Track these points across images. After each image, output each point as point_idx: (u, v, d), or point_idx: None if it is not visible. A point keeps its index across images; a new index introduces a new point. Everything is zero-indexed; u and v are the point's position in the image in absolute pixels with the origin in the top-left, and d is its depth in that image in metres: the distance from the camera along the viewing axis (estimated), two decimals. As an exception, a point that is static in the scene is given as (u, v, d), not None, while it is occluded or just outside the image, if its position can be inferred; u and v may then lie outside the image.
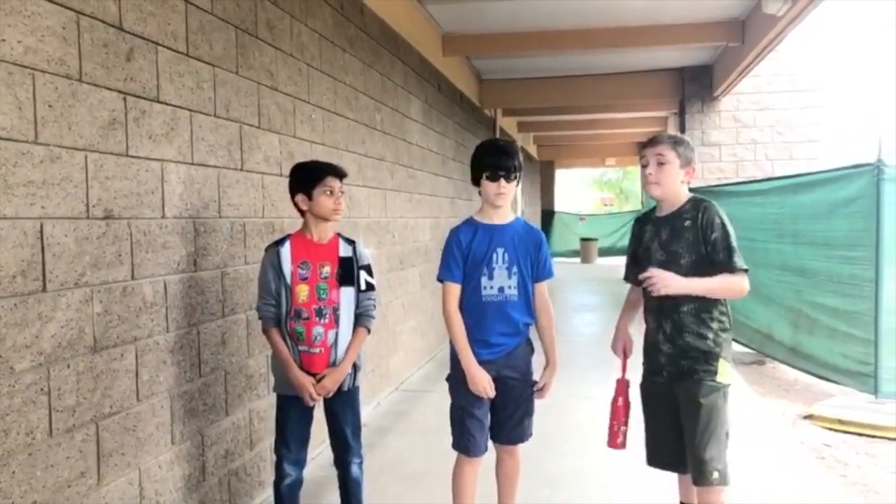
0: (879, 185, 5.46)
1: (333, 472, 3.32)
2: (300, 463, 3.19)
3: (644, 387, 3.08)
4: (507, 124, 14.08)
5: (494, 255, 3.03)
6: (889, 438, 4.87)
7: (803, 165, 9.47)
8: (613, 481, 4.02)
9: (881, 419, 5.03)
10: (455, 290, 3.07)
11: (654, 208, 3.09)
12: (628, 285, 3.29)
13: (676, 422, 2.93)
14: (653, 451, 3.09)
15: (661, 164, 2.92)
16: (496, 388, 3.05)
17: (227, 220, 3.56)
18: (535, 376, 3.15)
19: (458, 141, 8.91)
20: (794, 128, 10.26)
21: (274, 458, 3.21)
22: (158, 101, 3.01)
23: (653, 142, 3.00)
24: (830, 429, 5.13)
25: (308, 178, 3.11)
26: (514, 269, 3.04)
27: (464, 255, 3.06)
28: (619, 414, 3.12)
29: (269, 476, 3.50)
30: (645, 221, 3.11)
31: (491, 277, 3.02)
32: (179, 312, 3.16)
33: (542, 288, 3.14)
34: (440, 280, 3.10)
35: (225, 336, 3.54)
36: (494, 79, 10.96)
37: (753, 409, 5.39)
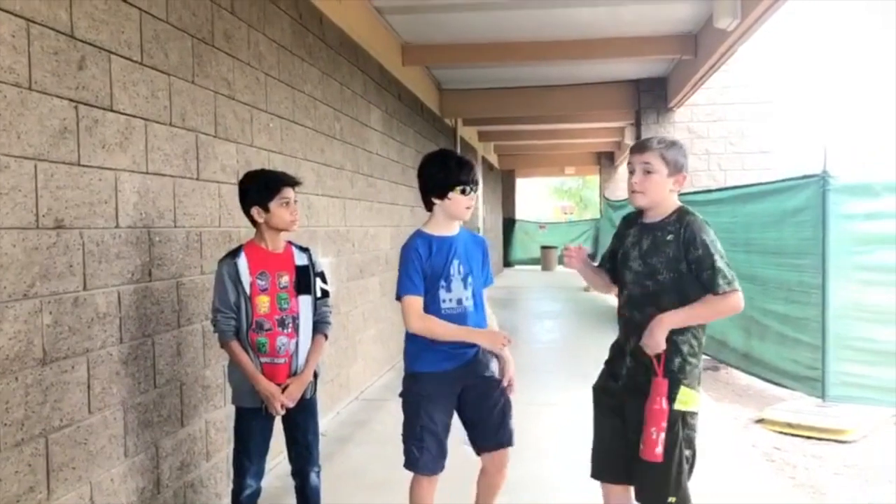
0: (825, 195, 5.64)
1: (289, 482, 3.31)
2: (260, 474, 3.17)
3: (598, 387, 2.95)
4: (468, 133, 14.17)
5: (451, 268, 3.01)
6: (835, 441, 5.02)
7: (755, 175, 9.70)
8: (574, 488, 4.07)
9: (828, 422, 5.18)
10: (418, 302, 2.96)
11: (642, 212, 2.87)
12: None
13: (620, 431, 2.81)
14: (595, 462, 2.93)
15: (647, 172, 2.71)
16: (466, 399, 3.04)
17: (182, 229, 3.53)
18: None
19: (418, 150, 8.94)
20: (747, 138, 10.51)
21: (231, 469, 3.19)
22: (112, 110, 2.98)
23: (641, 147, 2.76)
24: (781, 432, 5.27)
25: (264, 190, 3.08)
26: (469, 280, 3.04)
27: (422, 268, 3.00)
28: (658, 418, 2.64)
29: (227, 487, 3.48)
30: (631, 223, 2.91)
31: (449, 290, 3.00)
32: (134, 323, 3.12)
33: (485, 294, 3.17)
34: (400, 297, 2.97)
35: (181, 346, 3.51)
36: (454, 88, 11.04)
37: (708, 413, 5.49)
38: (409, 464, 3.03)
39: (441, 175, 3.00)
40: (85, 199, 2.82)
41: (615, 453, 2.84)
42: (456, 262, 3.02)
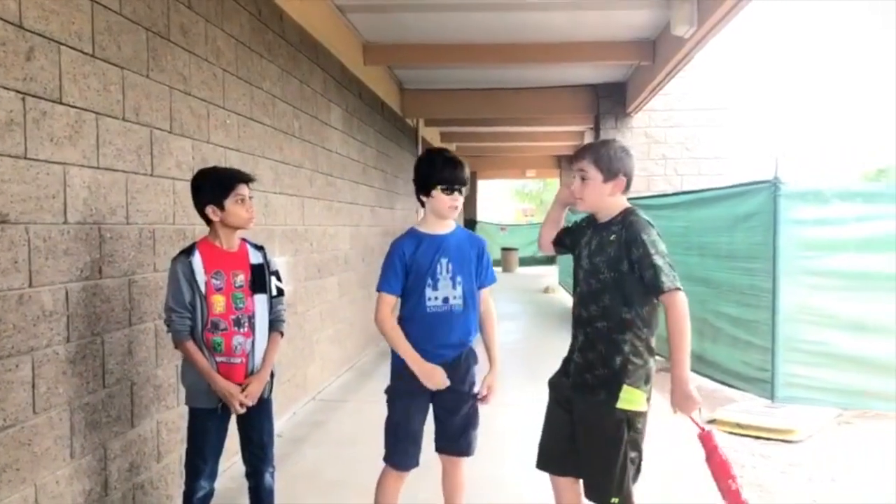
0: (776, 200, 5.77)
1: (243, 483, 3.28)
2: (214, 475, 3.13)
3: (552, 381, 3.01)
4: (430, 134, 14.17)
5: (439, 266, 3.02)
6: (783, 440, 5.14)
7: (710, 181, 9.89)
8: (532, 488, 4.09)
9: (775, 422, 5.31)
10: (391, 301, 3.05)
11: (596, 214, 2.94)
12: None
13: (569, 425, 2.86)
14: (542, 453, 2.98)
15: (583, 179, 2.82)
16: (437, 400, 3.06)
17: (135, 226, 3.47)
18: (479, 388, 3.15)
19: (379, 149, 8.92)
20: (702, 144, 10.71)
21: (184, 470, 3.13)
22: (61, 103, 2.91)
23: (576, 155, 2.88)
24: (731, 432, 5.37)
25: (218, 188, 3.04)
26: (459, 279, 3.03)
27: (406, 267, 3.02)
28: (724, 471, 2.69)
29: (178, 489, 3.42)
30: (588, 223, 2.98)
31: (436, 288, 3.01)
32: (82, 321, 3.05)
33: (486, 294, 3.17)
34: (378, 291, 3.05)
35: (132, 345, 3.44)
36: (416, 89, 11.03)
37: (661, 414, 5.59)
38: (384, 457, 3.11)
39: (427, 172, 3.04)
40: (31, 194, 2.75)
41: (561, 446, 2.90)
42: (444, 261, 3.03)
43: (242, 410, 3.03)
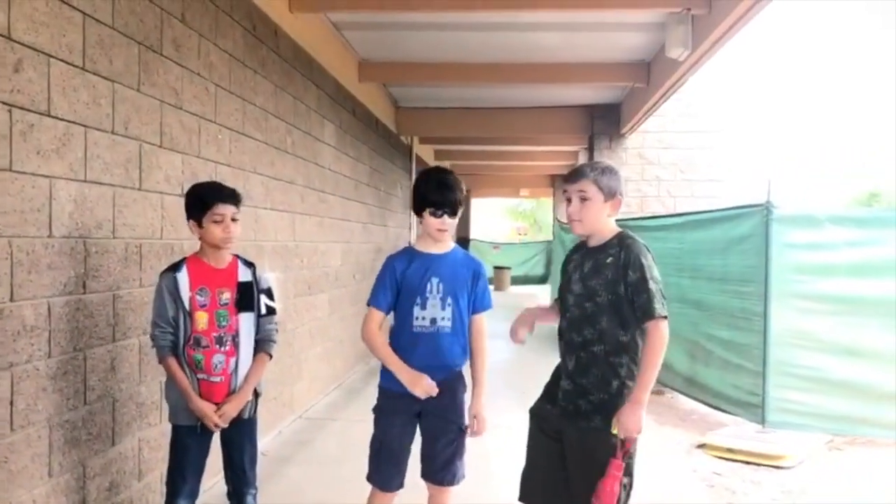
0: (768, 224, 5.77)
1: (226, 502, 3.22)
2: (194, 495, 3.08)
3: (535, 410, 2.96)
4: (424, 152, 14.19)
5: (429, 285, 2.98)
6: (773, 466, 5.10)
7: (704, 203, 9.91)
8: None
9: (766, 448, 5.27)
10: (378, 316, 3.02)
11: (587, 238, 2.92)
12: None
13: (556, 454, 2.82)
14: (526, 484, 2.92)
15: (584, 199, 2.77)
16: (424, 426, 3.01)
17: (121, 240, 3.42)
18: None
19: (372, 166, 8.90)
20: (696, 167, 10.74)
21: (164, 489, 3.08)
22: (49, 115, 2.88)
23: (574, 176, 2.82)
24: (721, 457, 5.33)
25: (198, 205, 3.02)
26: (449, 301, 2.98)
27: (397, 283, 3.00)
28: (608, 500, 2.63)
29: (158, 509, 3.36)
30: (578, 249, 2.96)
31: (424, 307, 2.97)
32: (64, 336, 3.00)
33: (479, 319, 3.08)
34: (367, 305, 3.04)
35: (115, 362, 3.38)
36: (411, 107, 11.05)
37: (650, 438, 5.54)
38: (367, 476, 3.05)
39: (419, 193, 3.01)
40: (16, 207, 2.71)
41: (549, 476, 2.84)
42: (435, 281, 2.98)
43: (217, 430, 3.00)
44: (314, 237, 6.54)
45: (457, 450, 3.03)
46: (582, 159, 13.81)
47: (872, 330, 5.59)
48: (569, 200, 2.83)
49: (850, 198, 29.16)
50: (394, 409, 3.00)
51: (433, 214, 2.96)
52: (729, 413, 6.21)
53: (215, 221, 3.00)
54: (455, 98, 10.68)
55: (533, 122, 11.30)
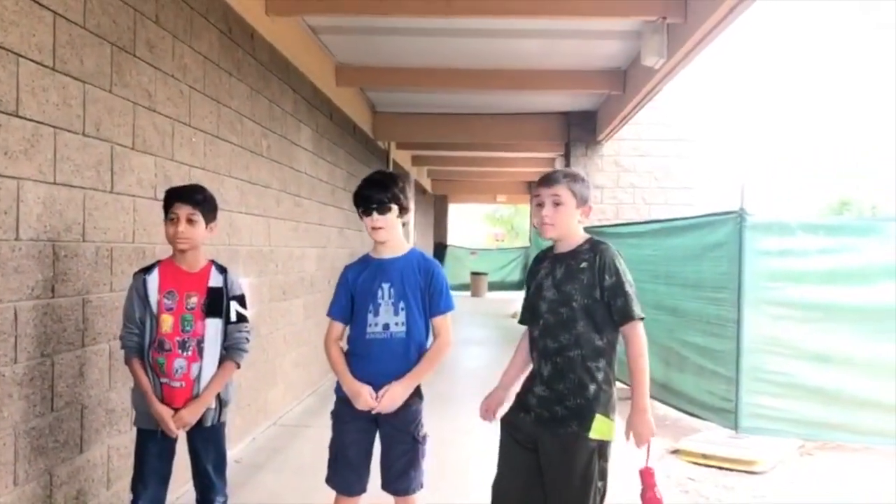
0: (742, 231, 5.82)
1: (197, 512, 3.17)
2: (157, 502, 3.03)
3: (507, 420, 2.93)
4: (401, 157, 14.17)
5: (380, 291, 2.97)
6: (746, 471, 5.14)
7: (679, 210, 9.99)
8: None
9: (739, 453, 5.30)
10: (335, 326, 3.06)
11: (553, 245, 2.93)
12: (516, 321, 3.14)
13: (531, 463, 2.80)
14: (498, 496, 2.89)
15: (557, 204, 2.77)
16: (381, 433, 3.00)
17: (92, 244, 3.37)
18: (427, 429, 3.05)
19: (349, 171, 8.87)
20: (671, 174, 10.84)
21: (131, 496, 3.03)
22: (17, 116, 2.83)
23: (548, 181, 2.82)
24: (695, 463, 5.36)
25: (164, 204, 3.04)
26: (402, 305, 2.95)
27: (350, 292, 3.01)
28: None
29: (127, 517, 3.29)
30: (542, 259, 2.96)
31: (376, 314, 2.95)
32: (31, 342, 2.94)
33: (440, 321, 3.02)
34: (327, 315, 3.09)
35: (84, 368, 3.32)
36: (389, 111, 11.03)
37: (624, 443, 5.57)
38: (325, 477, 3.05)
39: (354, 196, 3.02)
40: (-19, 209, 2.65)
41: (524, 485, 2.83)
42: (386, 286, 2.96)
43: (174, 436, 2.97)
44: (289, 242, 6.49)
45: (412, 460, 2.99)
46: (558, 166, 13.87)
47: (844, 336, 5.66)
48: (541, 205, 2.84)
49: (823, 204, 29.61)
50: (349, 416, 2.98)
51: (364, 214, 2.97)
52: (702, 419, 6.25)
53: (170, 220, 2.99)
54: (433, 103, 10.68)
55: (510, 129, 11.34)
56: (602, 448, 2.72)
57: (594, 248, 2.78)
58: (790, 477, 5.09)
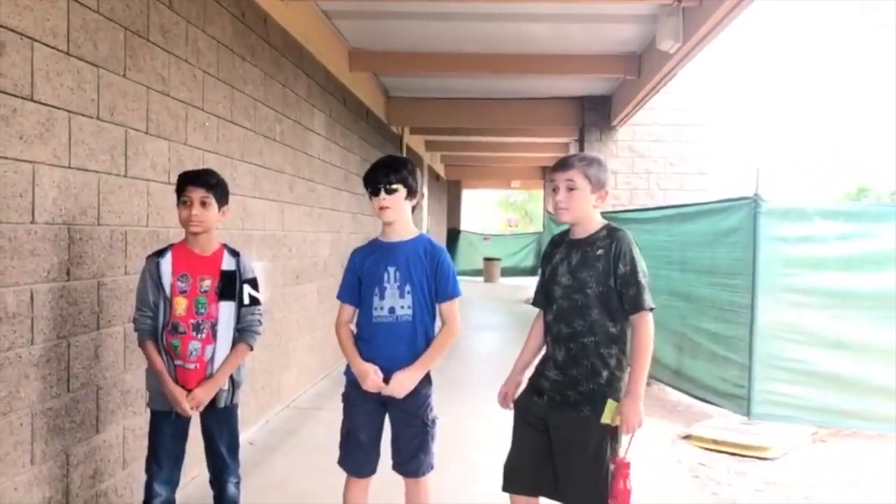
0: (756, 217, 5.77)
1: (209, 492, 3.22)
2: (172, 482, 3.07)
3: (520, 403, 2.96)
4: (415, 142, 14.15)
5: (385, 275, 2.98)
6: (758, 458, 5.13)
7: (693, 196, 9.92)
8: (507, 500, 4.05)
9: (751, 439, 5.29)
10: (345, 309, 3.08)
11: (569, 230, 2.92)
12: (529, 306, 3.08)
13: (542, 444, 2.83)
14: (511, 475, 2.92)
15: (571, 189, 2.77)
16: (391, 416, 3.03)
17: (106, 227, 3.40)
18: (437, 412, 3.07)
19: (362, 156, 8.87)
20: (686, 159, 10.75)
21: (145, 477, 3.08)
22: (32, 100, 2.85)
23: (563, 165, 2.81)
24: (706, 448, 5.36)
25: (177, 189, 3.07)
26: (408, 289, 2.96)
27: (357, 275, 3.04)
28: (618, 498, 2.72)
29: (142, 497, 3.34)
30: (558, 242, 2.95)
31: (382, 297, 2.97)
32: (48, 324, 2.98)
33: (447, 307, 3.02)
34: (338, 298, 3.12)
35: (99, 349, 3.36)
36: (402, 96, 11.01)
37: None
38: (338, 460, 3.09)
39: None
40: (-2, 192, 2.68)
41: (535, 466, 2.86)
42: (392, 270, 2.98)
43: (190, 415, 3.01)
44: (303, 227, 6.51)
45: (422, 443, 3.01)
46: (572, 151, 13.80)
47: (859, 323, 5.62)
48: (555, 189, 2.83)
49: (841, 193, 29.31)
50: (359, 398, 3.00)
51: (372, 194, 2.98)
52: (715, 405, 6.24)
53: (183, 203, 3.02)
54: (446, 88, 10.65)
55: (524, 114, 11.30)
56: (614, 431, 2.75)
57: (611, 234, 2.77)
58: (803, 463, 5.08)
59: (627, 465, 2.72)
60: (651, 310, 2.70)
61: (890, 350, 5.50)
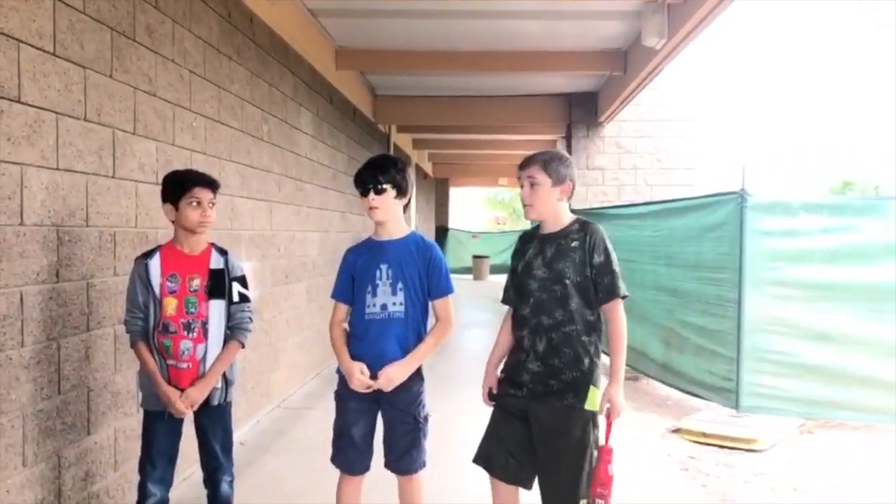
0: (742, 212, 5.83)
1: (203, 492, 3.22)
2: (165, 482, 3.08)
3: (498, 397, 3.00)
4: (402, 141, 14.15)
5: (378, 272, 3.00)
6: (746, 450, 5.19)
7: (680, 191, 9.98)
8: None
9: (739, 432, 5.35)
10: (339, 308, 3.11)
11: (539, 226, 3.01)
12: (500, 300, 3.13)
13: (522, 435, 2.88)
14: (486, 455, 2.97)
15: (533, 185, 2.87)
16: (383, 412, 3.04)
17: (95, 228, 3.39)
18: (429, 408, 3.09)
19: (350, 155, 8.87)
20: (672, 155, 10.80)
21: (139, 477, 3.08)
22: (19, 102, 2.84)
23: (525, 163, 2.93)
24: (696, 442, 5.41)
25: (175, 189, 3.05)
26: (400, 286, 2.98)
27: (351, 274, 3.07)
28: (600, 482, 2.78)
29: (134, 498, 3.34)
30: (529, 238, 3.02)
31: (375, 295, 2.99)
32: (37, 326, 2.98)
33: (440, 304, 3.04)
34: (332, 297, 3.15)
35: (90, 351, 3.36)
36: (389, 95, 11.01)
37: (626, 423, 5.59)
38: (331, 458, 3.09)
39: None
40: (-14, 194, 2.67)
41: (508, 454, 2.92)
42: (384, 267, 3.00)
43: (185, 415, 3.02)
44: (291, 226, 6.51)
45: (414, 440, 3.03)
46: (560, 148, 13.82)
47: (844, 315, 5.69)
48: (522, 187, 2.94)
49: (825, 188, 29.55)
50: (351, 395, 3.01)
51: (362, 195, 3.01)
52: (703, 398, 6.30)
53: (191, 204, 3.02)
54: (433, 86, 10.65)
55: (511, 111, 11.31)
56: (594, 417, 2.83)
57: (584, 227, 2.88)
58: (790, 455, 5.14)
59: (610, 451, 2.80)
60: (624, 297, 2.83)
61: (874, 341, 5.57)
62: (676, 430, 5.69)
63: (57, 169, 3.09)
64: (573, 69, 8.89)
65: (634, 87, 8.55)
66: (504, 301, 3.11)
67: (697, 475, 4.72)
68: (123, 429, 3.64)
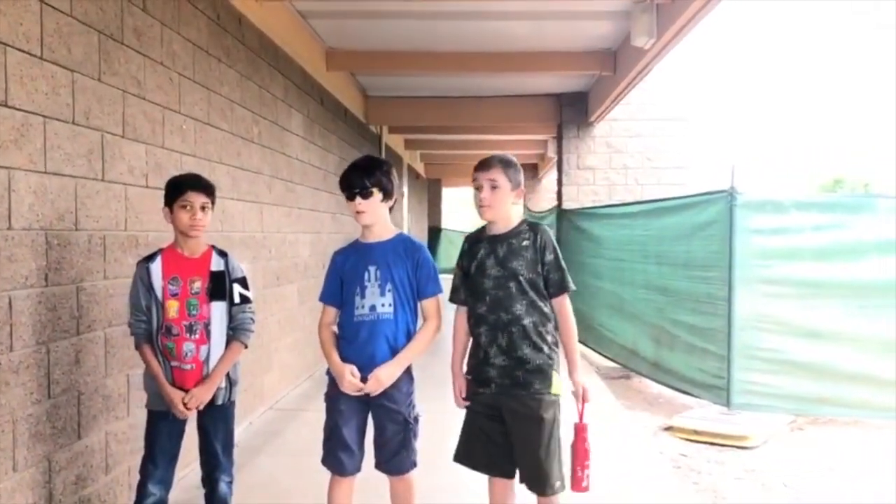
0: (732, 210, 5.87)
1: (199, 494, 3.22)
2: (166, 482, 3.10)
3: (469, 400, 3.08)
4: (394, 141, 14.15)
5: (366, 274, 3.01)
6: (737, 447, 5.22)
7: (671, 190, 10.01)
8: (486, 494, 4.08)
9: (730, 429, 5.38)
10: (328, 311, 3.13)
11: (484, 227, 3.11)
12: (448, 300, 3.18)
13: (496, 431, 2.99)
14: (466, 452, 3.09)
15: (494, 188, 2.97)
16: (373, 413, 3.05)
17: (84, 232, 3.38)
18: (419, 409, 3.10)
19: (341, 156, 8.86)
20: (663, 154, 10.83)
21: (135, 479, 3.10)
22: (6, 106, 2.83)
23: (485, 165, 3.02)
24: (687, 439, 5.44)
25: (172, 192, 3.08)
26: (389, 287, 2.99)
27: (339, 276, 3.08)
28: (581, 458, 2.94)
29: (128, 501, 3.35)
30: (477, 240, 3.10)
31: (363, 296, 3.00)
32: (27, 330, 2.97)
33: (428, 304, 3.05)
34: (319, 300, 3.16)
35: (80, 355, 3.35)
36: (380, 96, 11.01)
37: (618, 421, 5.63)
38: (321, 459, 3.10)
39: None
40: (-27, 199, 2.66)
41: (486, 451, 3.03)
42: (372, 269, 3.01)
43: (188, 415, 3.04)
44: (282, 227, 6.51)
45: (404, 440, 3.03)
46: (551, 148, 13.87)
47: (834, 312, 5.73)
48: (479, 188, 3.01)
49: (816, 186, 29.69)
50: (341, 397, 3.01)
51: (348, 198, 3.03)
52: (694, 396, 6.33)
53: (183, 207, 3.04)
54: (424, 87, 10.66)
55: (502, 111, 11.33)
56: (559, 402, 2.99)
57: (533, 228, 3.04)
58: (781, 452, 5.18)
59: (585, 427, 2.95)
60: (573, 290, 3.01)
61: (864, 338, 5.61)
62: (668, 428, 5.72)
63: (45, 173, 3.09)
64: (563, 69, 8.93)
65: (624, 87, 8.59)
66: (453, 300, 3.18)
67: (689, 472, 4.74)
68: (115, 432, 3.64)
